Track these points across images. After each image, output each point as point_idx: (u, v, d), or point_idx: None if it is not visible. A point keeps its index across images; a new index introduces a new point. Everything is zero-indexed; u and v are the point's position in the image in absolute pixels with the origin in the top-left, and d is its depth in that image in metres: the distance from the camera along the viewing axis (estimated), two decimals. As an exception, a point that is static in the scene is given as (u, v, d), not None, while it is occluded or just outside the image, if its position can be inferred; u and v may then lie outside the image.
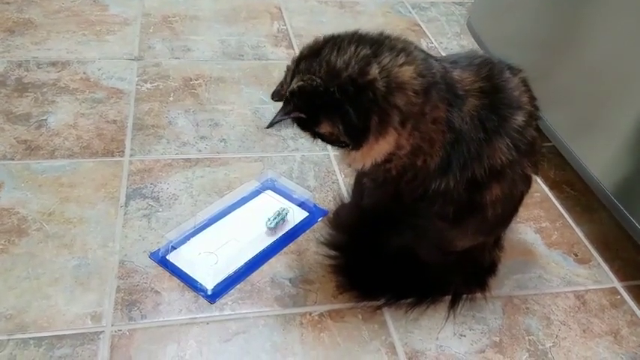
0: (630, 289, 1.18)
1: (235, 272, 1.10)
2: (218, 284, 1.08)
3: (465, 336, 1.05)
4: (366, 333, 1.03)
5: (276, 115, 0.93)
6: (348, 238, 1.11)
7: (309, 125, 0.94)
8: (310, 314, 1.05)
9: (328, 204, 1.27)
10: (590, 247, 1.27)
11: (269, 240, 1.17)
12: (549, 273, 1.19)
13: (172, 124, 1.48)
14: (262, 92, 1.62)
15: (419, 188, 0.99)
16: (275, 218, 1.19)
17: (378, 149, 0.93)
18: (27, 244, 1.12)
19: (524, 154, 0.98)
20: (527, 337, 1.06)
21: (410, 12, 2.18)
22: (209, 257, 1.12)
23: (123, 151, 1.37)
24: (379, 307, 1.07)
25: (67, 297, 1.03)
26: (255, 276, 1.11)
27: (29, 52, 1.68)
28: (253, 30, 1.94)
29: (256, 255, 1.14)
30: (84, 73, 1.63)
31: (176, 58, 1.74)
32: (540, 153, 1.05)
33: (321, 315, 1.05)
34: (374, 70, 0.87)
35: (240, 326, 1.02)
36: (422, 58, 0.93)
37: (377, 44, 0.91)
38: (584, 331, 1.08)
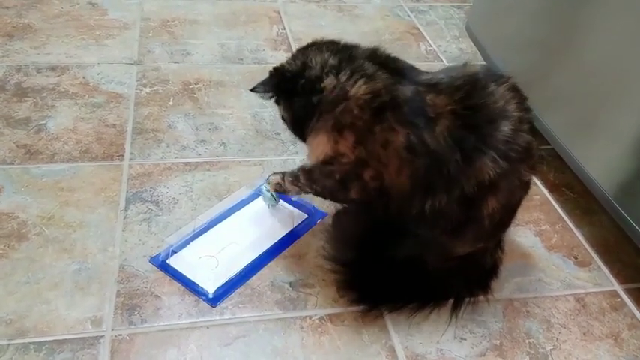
0: (630, 292, 1.18)
1: (236, 275, 1.10)
2: (219, 287, 1.08)
3: (465, 339, 1.05)
4: (366, 336, 1.03)
5: (257, 84, 1.10)
6: (353, 251, 1.11)
7: (277, 102, 1.12)
8: (310, 318, 1.05)
9: (328, 207, 1.27)
10: (590, 249, 1.27)
11: (269, 242, 1.18)
12: (549, 276, 1.19)
13: (172, 128, 1.48)
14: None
15: (404, 206, 1.01)
16: (268, 196, 1.22)
17: (316, 147, 1.05)
18: (27, 249, 1.12)
19: (519, 161, 0.98)
20: (527, 340, 1.06)
21: (409, 15, 2.18)
22: (209, 261, 1.12)
23: (122, 156, 1.37)
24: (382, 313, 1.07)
25: (67, 301, 1.03)
26: (256, 280, 1.11)
27: (29, 57, 1.68)
28: (252, 34, 1.94)
29: (256, 258, 1.14)
30: (83, 77, 1.63)
31: (175, 62, 1.74)
32: (537, 155, 1.04)
33: (321, 319, 1.05)
34: (329, 81, 1.01)
35: (241, 330, 1.02)
36: (388, 81, 0.99)
37: (348, 60, 1.02)
38: (584, 334, 1.08)
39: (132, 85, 1.61)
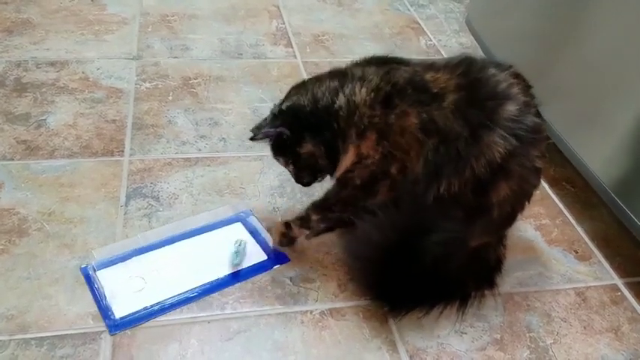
0: (631, 286, 1.18)
1: (155, 305, 1.03)
2: (130, 314, 1.01)
3: (466, 333, 1.05)
4: (367, 331, 1.03)
5: (263, 129, 1.06)
6: (378, 251, 1.05)
7: (290, 145, 1.06)
8: (311, 312, 1.05)
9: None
10: (590, 244, 1.27)
11: (208, 278, 1.08)
12: (550, 270, 1.20)
13: (172, 123, 1.47)
14: (261, 91, 1.62)
15: (419, 194, 1.00)
16: (238, 253, 1.11)
17: (345, 163, 1.05)
18: (27, 244, 1.12)
19: (529, 143, 0.97)
20: (528, 334, 1.06)
21: (408, 9, 2.18)
22: (137, 282, 1.06)
23: (122, 151, 1.36)
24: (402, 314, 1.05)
25: (68, 297, 1.03)
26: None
27: (28, 52, 1.68)
28: (252, 28, 1.94)
29: (188, 291, 1.06)
30: (83, 72, 1.62)
31: (175, 57, 1.74)
32: (547, 140, 1.03)
33: (322, 313, 1.05)
34: (340, 99, 1.02)
35: (242, 325, 1.02)
36: (380, 75, 1.01)
37: (343, 76, 1.05)
38: (584, 327, 1.09)
39: (131, 81, 1.61)
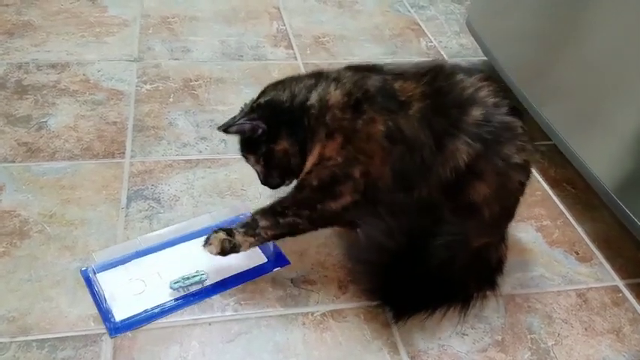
0: (632, 287, 1.18)
1: (156, 308, 1.03)
2: (130, 317, 1.01)
3: (467, 335, 1.05)
4: (368, 333, 1.03)
5: (238, 120, 1.04)
6: (383, 254, 1.03)
7: (264, 141, 1.04)
8: (312, 314, 1.05)
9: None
10: (591, 245, 1.27)
11: (211, 279, 1.08)
12: (551, 271, 1.19)
13: (173, 125, 1.48)
14: (262, 92, 1.62)
15: (391, 200, 1.00)
16: (182, 281, 1.06)
17: (308, 165, 1.04)
18: (29, 247, 1.12)
19: (498, 143, 0.98)
20: (529, 336, 1.06)
21: (409, 11, 2.18)
22: (137, 285, 1.06)
23: (123, 153, 1.37)
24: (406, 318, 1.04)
25: (69, 299, 1.03)
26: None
27: (29, 54, 1.68)
28: (252, 30, 1.94)
29: (189, 294, 1.05)
30: (84, 74, 1.63)
31: (176, 59, 1.74)
32: (525, 135, 1.02)
33: (323, 315, 1.05)
34: (313, 97, 1.03)
35: (243, 327, 1.02)
36: (355, 78, 1.02)
37: (319, 76, 1.06)
38: (586, 329, 1.09)
39: (132, 83, 1.61)
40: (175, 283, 1.06)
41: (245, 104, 1.12)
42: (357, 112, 1.00)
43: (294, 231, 1.06)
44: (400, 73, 1.03)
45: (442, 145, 0.97)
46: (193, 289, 1.06)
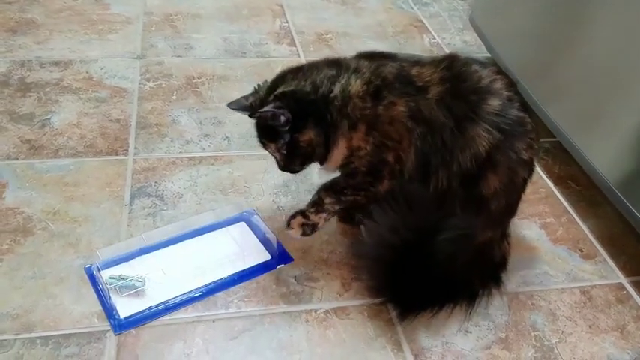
0: (636, 285, 1.17)
1: (160, 305, 1.03)
2: (134, 314, 1.01)
3: (470, 332, 1.05)
4: (371, 330, 1.03)
5: (265, 107, 1.02)
6: (388, 250, 1.04)
7: (288, 130, 1.03)
8: (316, 311, 1.05)
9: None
10: (595, 242, 1.27)
11: (217, 275, 1.08)
12: (555, 269, 1.19)
13: (176, 122, 1.48)
14: (265, 90, 1.62)
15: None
16: (118, 281, 1.04)
17: (336, 158, 1.06)
18: (32, 244, 1.12)
19: (513, 136, 0.98)
20: (533, 333, 1.06)
21: (412, 8, 2.17)
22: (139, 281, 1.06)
23: (127, 150, 1.37)
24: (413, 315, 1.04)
25: (73, 296, 1.03)
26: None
27: (32, 52, 1.68)
28: (255, 27, 1.94)
29: (192, 290, 1.06)
30: (87, 72, 1.63)
31: (178, 57, 1.74)
32: (534, 133, 1.03)
33: (326, 312, 1.05)
34: (336, 88, 1.02)
35: (246, 324, 1.02)
36: (372, 66, 1.03)
37: (339, 66, 1.05)
38: (590, 326, 1.08)
39: (135, 80, 1.61)
40: (111, 278, 1.04)
41: (258, 85, 1.11)
42: (377, 99, 1.01)
43: (356, 206, 1.12)
44: (416, 61, 1.05)
45: (463, 128, 0.98)
46: (126, 291, 1.04)
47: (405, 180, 1.04)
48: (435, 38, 1.99)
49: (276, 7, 2.07)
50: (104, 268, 1.07)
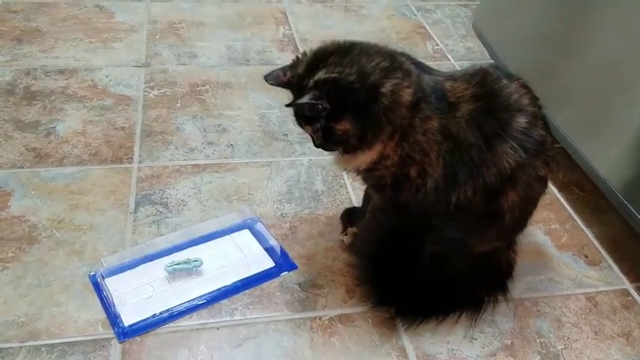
0: (642, 291, 1.17)
1: (164, 312, 1.03)
2: (139, 322, 1.01)
3: (476, 339, 1.04)
4: (376, 337, 1.03)
5: (302, 98, 0.94)
6: (377, 260, 1.07)
7: (325, 117, 0.96)
8: (320, 319, 1.05)
9: (336, 208, 1.27)
10: (600, 248, 1.26)
11: (221, 283, 1.09)
12: (560, 275, 1.19)
13: (180, 130, 1.48)
14: (269, 97, 1.62)
15: (439, 203, 1.00)
16: (177, 264, 1.09)
17: (363, 158, 1.00)
18: (38, 252, 1.12)
19: (535, 155, 0.98)
20: (538, 340, 1.05)
21: (415, 14, 2.18)
22: (145, 289, 1.06)
23: (131, 158, 1.37)
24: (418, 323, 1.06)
25: (78, 304, 1.03)
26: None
27: (37, 61, 1.69)
28: (259, 35, 1.94)
29: (196, 298, 1.06)
30: (91, 80, 1.63)
31: (183, 65, 1.75)
32: (551, 150, 1.03)
33: (331, 319, 1.05)
34: (388, 85, 0.94)
35: (251, 331, 1.02)
36: (416, 77, 0.98)
37: (393, 60, 0.97)
38: (595, 333, 1.08)
39: (140, 88, 1.62)
40: (170, 266, 1.08)
41: (297, 57, 1.01)
42: (416, 110, 0.97)
43: None
44: (449, 75, 1.03)
45: (491, 145, 0.97)
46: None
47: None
48: (437, 45, 1.99)
49: (279, 14, 2.08)
50: (108, 276, 1.07)
